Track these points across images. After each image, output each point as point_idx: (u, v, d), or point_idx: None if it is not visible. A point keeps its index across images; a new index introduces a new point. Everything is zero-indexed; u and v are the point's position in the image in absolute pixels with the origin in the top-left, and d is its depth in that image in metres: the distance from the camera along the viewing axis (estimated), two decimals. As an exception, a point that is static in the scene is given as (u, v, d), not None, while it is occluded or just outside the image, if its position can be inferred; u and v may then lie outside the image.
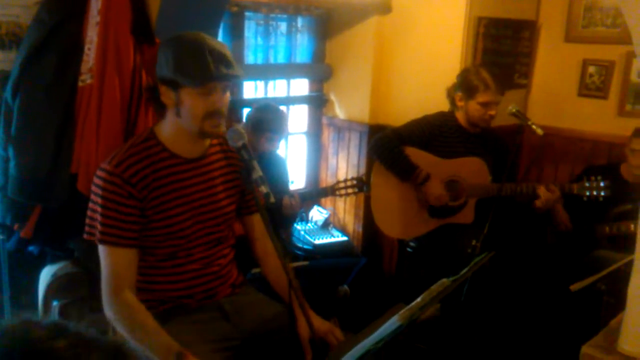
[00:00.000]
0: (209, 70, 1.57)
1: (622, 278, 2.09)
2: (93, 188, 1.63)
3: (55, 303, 1.99)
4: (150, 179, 1.64)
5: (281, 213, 2.66)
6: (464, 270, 1.48)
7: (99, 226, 1.61)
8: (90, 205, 1.64)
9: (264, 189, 1.58)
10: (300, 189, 3.20)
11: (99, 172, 1.63)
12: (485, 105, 2.67)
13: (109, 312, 1.61)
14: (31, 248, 2.14)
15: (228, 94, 1.70)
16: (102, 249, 1.63)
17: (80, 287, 2.05)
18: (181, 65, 1.59)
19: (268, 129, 2.66)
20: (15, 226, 2.09)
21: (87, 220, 1.64)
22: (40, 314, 2.02)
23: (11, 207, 2.03)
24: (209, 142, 1.80)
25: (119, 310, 1.59)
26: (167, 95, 1.65)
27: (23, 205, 2.04)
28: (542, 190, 2.60)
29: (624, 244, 2.72)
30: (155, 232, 1.68)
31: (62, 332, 0.64)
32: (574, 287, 2.09)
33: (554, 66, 3.51)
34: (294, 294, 1.63)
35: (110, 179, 1.60)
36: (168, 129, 1.71)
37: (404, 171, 2.71)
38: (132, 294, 1.63)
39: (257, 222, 1.94)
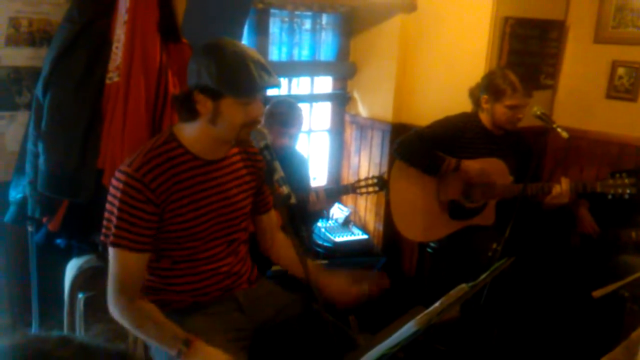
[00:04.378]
0: (254, 81, 1.57)
1: (646, 286, 2.06)
2: (111, 190, 1.61)
3: (80, 295, 2.03)
4: (170, 183, 1.63)
5: (305, 210, 2.67)
6: (483, 276, 1.47)
7: (113, 229, 1.58)
8: (107, 206, 1.62)
9: (285, 189, 1.58)
10: (321, 187, 3.21)
11: (117, 175, 1.60)
12: (512, 108, 2.64)
13: (114, 311, 1.62)
14: (58, 241, 2.19)
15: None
16: (112, 251, 1.61)
17: (105, 280, 2.08)
18: (226, 76, 1.56)
19: (279, 123, 2.66)
20: (44, 219, 2.14)
21: (104, 222, 1.62)
22: (66, 307, 2.07)
23: (40, 200, 2.08)
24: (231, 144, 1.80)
25: (125, 310, 1.60)
26: (204, 104, 1.61)
27: (51, 199, 2.09)
28: (555, 186, 2.55)
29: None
30: (173, 234, 1.68)
31: (68, 342, 0.69)
32: (597, 293, 2.05)
33: (582, 67, 3.45)
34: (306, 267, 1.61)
35: (129, 182, 1.57)
36: (192, 132, 1.68)
37: (434, 164, 2.67)
38: (139, 296, 1.64)
39: (266, 220, 1.98)
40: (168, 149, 1.66)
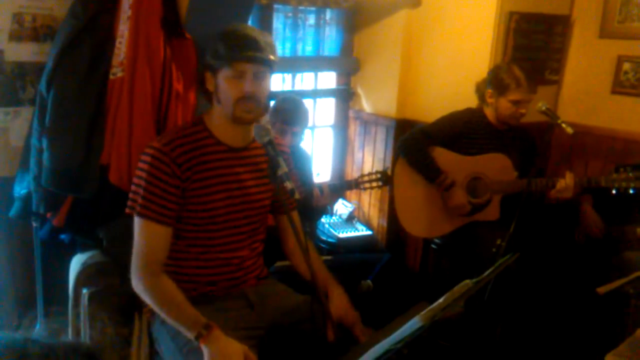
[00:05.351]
0: (235, 50, 1.66)
1: (651, 282, 2.05)
2: (139, 164, 1.71)
3: (84, 291, 2.04)
4: (195, 162, 1.72)
5: (309, 206, 2.66)
6: (487, 272, 1.47)
7: (139, 200, 1.67)
8: (135, 180, 1.71)
9: (288, 185, 1.60)
10: (325, 182, 3.21)
11: (147, 150, 1.70)
12: (516, 103, 2.63)
13: (138, 285, 1.67)
14: (63, 236, 2.20)
15: (265, 82, 1.74)
16: (138, 223, 1.69)
17: (109, 276, 2.09)
18: (216, 49, 1.69)
19: (282, 121, 2.65)
20: (48, 215, 2.15)
21: (130, 195, 1.71)
22: (70, 302, 2.08)
23: (45, 196, 2.08)
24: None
25: (149, 284, 1.65)
26: (210, 81, 1.75)
27: (56, 194, 2.09)
28: (560, 181, 2.54)
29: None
30: (191, 214, 1.74)
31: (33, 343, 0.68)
32: (601, 289, 2.04)
33: (587, 62, 3.42)
34: (316, 276, 1.64)
35: (158, 155, 1.67)
36: (214, 117, 1.78)
37: (431, 174, 2.71)
38: (162, 272, 1.69)
39: (285, 222, 1.98)
40: (195, 131, 1.76)
